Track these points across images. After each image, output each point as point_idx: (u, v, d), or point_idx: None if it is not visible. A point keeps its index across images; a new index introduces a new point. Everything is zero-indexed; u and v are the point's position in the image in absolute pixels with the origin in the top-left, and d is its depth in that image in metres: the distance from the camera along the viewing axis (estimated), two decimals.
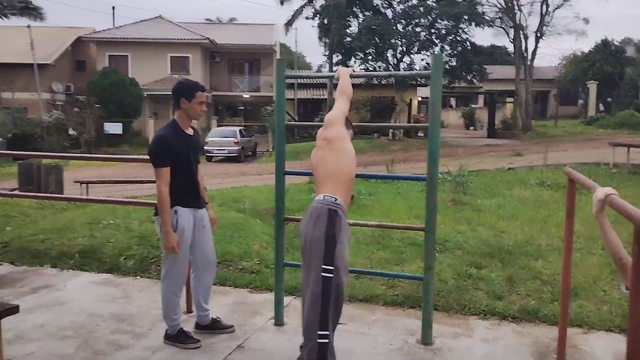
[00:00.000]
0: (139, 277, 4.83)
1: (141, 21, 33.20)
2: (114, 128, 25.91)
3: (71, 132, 25.14)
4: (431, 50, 25.26)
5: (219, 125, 27.67)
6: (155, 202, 3.32)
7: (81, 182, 10.63)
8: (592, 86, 32.63)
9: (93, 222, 6.16)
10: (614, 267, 4.66)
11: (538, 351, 3.33)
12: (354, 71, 3.36)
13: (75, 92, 30.53)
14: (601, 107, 33.04)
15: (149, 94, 28.99)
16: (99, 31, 32.15)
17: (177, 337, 3.36)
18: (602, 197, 2.02)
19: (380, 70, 25.36)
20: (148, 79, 29.55)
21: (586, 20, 36.53)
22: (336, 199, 2.70)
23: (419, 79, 25.44)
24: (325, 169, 2.80)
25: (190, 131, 3.39)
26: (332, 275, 2.59)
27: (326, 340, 2.58)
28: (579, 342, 3.46)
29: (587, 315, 3.81)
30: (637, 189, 9.33)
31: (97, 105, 25.46)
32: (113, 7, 39.46)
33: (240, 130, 23.17)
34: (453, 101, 44.12)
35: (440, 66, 3.22)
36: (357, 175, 3.07)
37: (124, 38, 30.69)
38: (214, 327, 3.59)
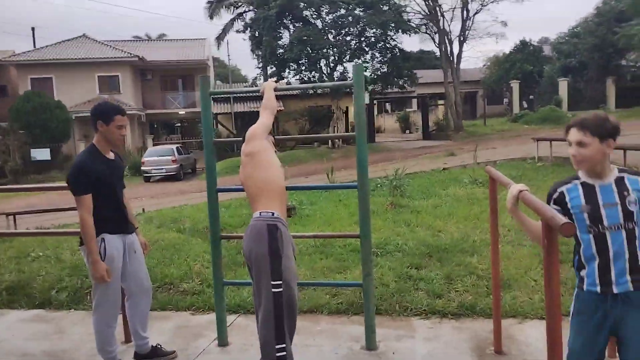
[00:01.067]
0: (72, 309, 4.61)
1: (64, 41, 31.82)
2: (41, 154, 24.65)
3: None
4: (362, 58, 25.81)
5: (155, 144, 26.97)
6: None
7: (7, 214, 10.01)
8: (515, 85, 34.47)
9: (20, 256, 5.84)
10: (542, 257, 4.93)
11: (477, 345, 3.46)
12: (282, 83, 3.39)
13: None
14: (524, 105, 34.95)
15: (78, 116, 27.82)
16: (19, 54, 30.57)
17: None
18: (515, 193, 2.16)
19: (315, 80, 25.62)
20: (76, 100, 28.38)
21: (504, 23, 38.46)
22: (273, 213, 2.71)
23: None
24: (254, 184, 2.80)
25: (111, 155, 3.27)
26: (281, 289, 2.60)
27: (284, 353, 2.60)
28: (514, 332, 3.61)
29: (521, 305, 3.99)
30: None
31: (21, 131, 24.15)
32: (33, 29, 37.32)
33: (177, 148, 22.69)
34: (388, 106, 45.24)
35: (362, 76, 3.29)
36: (293, 188, 3.09)
37: (47, 60, 29.33)
38: (154, 355, 3.47)
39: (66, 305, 4.67)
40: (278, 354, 2.59)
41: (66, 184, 3.15)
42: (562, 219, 1.67)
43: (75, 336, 4.00)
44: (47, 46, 31.49)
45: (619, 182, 2.10)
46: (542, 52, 37.88)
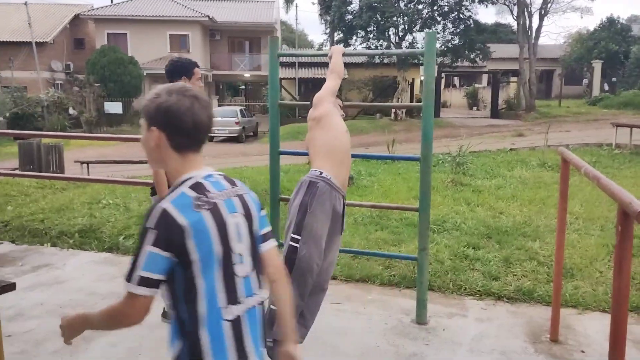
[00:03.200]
0: None
1: None
2: (114, 107, 25.79)
3: (71, 111, 25.06)
4: (434, 28, 24.95)
5: (219, 105, 27.53)
6: (153, 182, 3.32)
7: (81, 162, 10.65)
8: (597, 65, 32.29)
9: (92, 202, 6.20)
10: (610, 248, 4.69)
11: (531, 331, 3.37)
12: (352, 49, 3.34)
13: (74, 71, 30.36)
14: (606, 87, 32.75)
15: (149, 73, 28.80)
16: (97, 8, 31.76)
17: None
18: None
19: (382, 49, 25.11)
20: (147, 57, 29.33)
21: None
22: (321, 172, 2.71)
23: (420, 58, 25.19)
24: (314, 145, 2.82)
25: None
26: (297, 245, 2.58)
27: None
28: (572, 322, 3.49)
29: (582, 296, 3.83)
30: (637, 169, 9.30)
31: (97, 84, 25.33)
32: None
33: (241, 110, 23.07)
34: (456, 80, 43.76)
35: (434, 44, 3.18)
36: (353, 156, 3.06)
37: (122, 15, 30.35)
38: None
39: (132, 252, 4.92)
40: (271, 307, 2.47)
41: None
42: None
43: None
44: (123, 2, 32.53)
45: None
46: (631, 31, 35.16)
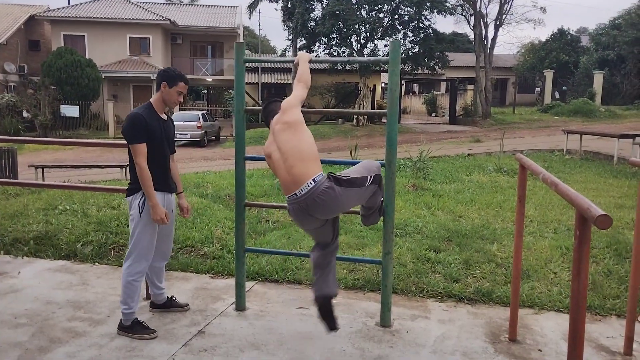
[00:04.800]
0: (96, 263, 4.74)
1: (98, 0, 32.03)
2: (70, 111, 25.03)
3: (25, 114, 24.17)
4: (394, 37, 25.37)
5: (181, 109, 27.12)
6: (112, 187, 3.28)
7: (36, 167, 10.28)
8: (549, 74, 33.59)
9: (48, 208, 6.00)
10: (564, 250, 4.88)
11: (491, 331, 3.47)
12: (315, 56, 3.41)
13: (29, 73, 29.32)
14: (557, 95, 34.08)
15: (108, 76, 28.10)
16: (53, 9, 30.81)
17: (131, 328, 3.31)
18: None
19: (344, 56, 25.35)
20: (107, 60, 28.63)
21: (543, 10, 37.61)
22: (321, 173, 2.86)
23: (382, 65, 25.55)
24: (298, 149, 2.86)
25: (164, 116, 3.42)
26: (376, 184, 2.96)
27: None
28: (530, 322, 3.62)
29: (538, 296, 3.97)
30: (587, 174, 9.72)
31: (53, 87, 24.53)
32: None
33: (203, 114, 22.82)
34: (416, 87, 44.61)
35: (398, 52, 3.25)
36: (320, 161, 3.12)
37: (80, 17, 29.53)
38: (170, 305, 3.67)
39: (90, 259, 4.81)
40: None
41: (122, 135, 3.27)
42: (599, 211, 1.64)
43: (99, 288, 4.13)
44: (81, 4, 31.68)
45: None
46: (580, 42, 36.76)
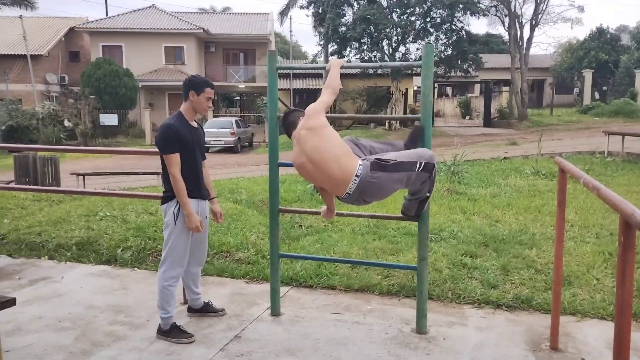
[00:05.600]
0: (136, 268, 4.86)
1: (134, 11, 32.96)
2: (109, 119, 25.79)
3: (67, 123, 25.02)
4: (426, 40, 25.15)
5: (215, 116, 27.57)
6: (150, 194, 3.36)
7: (77, 174, 10.62)
8: (588, 74, 32.61)
9: (89, 214, 6.18)
10: (607, 256, 4.72)
11: (531, 339, 3.38)
12: (347, 62, 3.43)
13: (69, 83, 30.37)
14: (596, 96, 33.04)
15: (144, 85, 28.82)
16: (92, 21, 31.87)
17: (170, 332, 3.38)
18: None
19: (376, 60, 25.27)
20: (143, 69, 29.39)
21: (581, 8, 36.53)
22: (361, 165, 2.90)
23: (414, 69, 25.36)
24: (330, 150, 2.91)
25: (194, 124, 3.47)
26: (429, 173, 2.95)
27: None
28: (572, 330, 3.51)
29: (580, 303, 3.85)
30: (630, 177, 9.38)
31: (92, 97, 25.34)
32: None
33: (236, 121, 23.13)
34: (449, 90, 44.05)
35: (431, 56, 3.22)
36: None
37: (117, 28, 30.45)
38: (206, 310, 3.73)
39: (130, 264, 4.93)
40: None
41: (155, 146, 3.35)
42: None
43: (138, 293, 4.23)
44: (118, 15, 32.68)
45: None
46: (620, 41, 35.55)
